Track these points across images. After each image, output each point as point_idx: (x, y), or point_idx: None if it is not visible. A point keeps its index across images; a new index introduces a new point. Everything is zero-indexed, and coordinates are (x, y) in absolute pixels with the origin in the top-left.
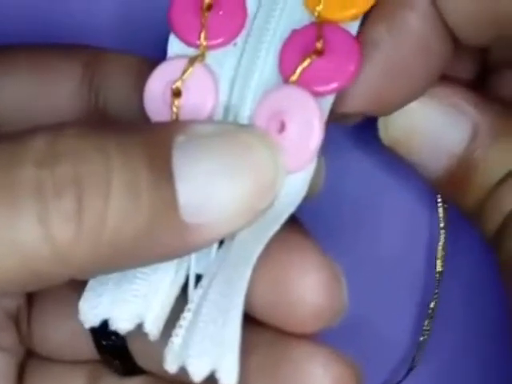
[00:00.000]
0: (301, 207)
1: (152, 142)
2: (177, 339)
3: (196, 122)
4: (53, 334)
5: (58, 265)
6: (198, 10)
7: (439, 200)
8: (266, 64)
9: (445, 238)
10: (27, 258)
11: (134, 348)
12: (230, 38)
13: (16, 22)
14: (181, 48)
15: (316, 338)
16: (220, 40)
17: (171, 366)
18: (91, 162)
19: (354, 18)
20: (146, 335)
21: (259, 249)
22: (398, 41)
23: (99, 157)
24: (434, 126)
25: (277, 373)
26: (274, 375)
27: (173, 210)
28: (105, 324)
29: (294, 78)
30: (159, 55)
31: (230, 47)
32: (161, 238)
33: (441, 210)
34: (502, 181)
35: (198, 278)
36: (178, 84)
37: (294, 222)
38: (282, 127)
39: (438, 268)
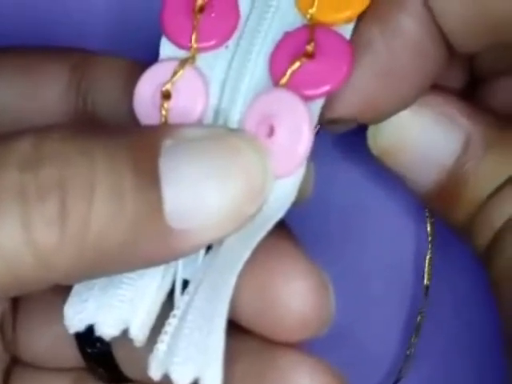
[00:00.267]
0: (289, 213)
1: (138, 145)
2: (162, 345)
3: (184, 125)
4: (38, 340)
5: (42, 269)
6: (190, 12)
7: (427, 215)
8: (257, 67)
9: (431, 252)
10: (10, 262)
11: (120, 355)
12: (222, 40)
13: (11, 22)
14: (172, 50)
15: (302, 347)
16: (212, 42)
17: (155, 373)
18: (75, 166)
19: (347, 21)
20: (131, 341)
21: (246, 255)
22: (392, 43)
23: (84, 160)
24: (425, 136)
25: (262, 381)
26: (259, 383)
27: (158, 214)
28: (90, 331)
29: (283, 80)
30: (152, 57)
31: (221, 50)
32: (146, 243)
33: (428, 225)
34: (492, 195)
35: (185, 283)
36: (168, 86)
37: (282, 228)
38: (272, 131)
39: (425, 281)
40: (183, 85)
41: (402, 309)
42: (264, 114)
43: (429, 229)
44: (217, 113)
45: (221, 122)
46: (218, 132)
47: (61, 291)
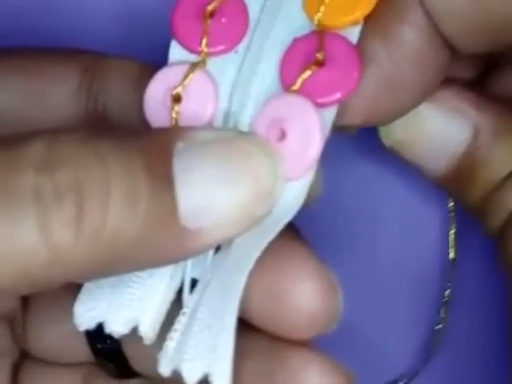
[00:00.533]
0: (298, 215)
1: (151, 148)
2: (171, 343)
3: (196, 128)
4: (48, 335)
5: (57, 270)
6: (201, 16)
7: (450, 201)
8: (267, 72)
9: (455, 227)
10: (26, 263)
11: (129, 351)
12: (232, 45)
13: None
14: (182, 54)
15: (311, 345)
16: (221, 47)
17: (165, 370)
18: (90, 168)
19: (355, 23)
20: (140, 339)
21: (255, 255)
22: (394, 54)
23: (98, 163)
24: (436, 129)
25: (272, 379)
26: (268, 382)
27: (172, 215)
28: (100, 327)
29: (294, 88)
30: (161, 60)
31: (231, 54)
32: (159, 244)
33: (450, 201)
34: (507, 178)
35: (194, 282)
36: (179, 90)
37: (291, 230)
38: (283, 135)
39: (452, 255)
40: (193, 88)
41: (414, 306)
42: (275, 118)
43: (451, 204)
44: (227, 116)
45: (231, 125)
46: (229, 135)
47: (71, 289)
